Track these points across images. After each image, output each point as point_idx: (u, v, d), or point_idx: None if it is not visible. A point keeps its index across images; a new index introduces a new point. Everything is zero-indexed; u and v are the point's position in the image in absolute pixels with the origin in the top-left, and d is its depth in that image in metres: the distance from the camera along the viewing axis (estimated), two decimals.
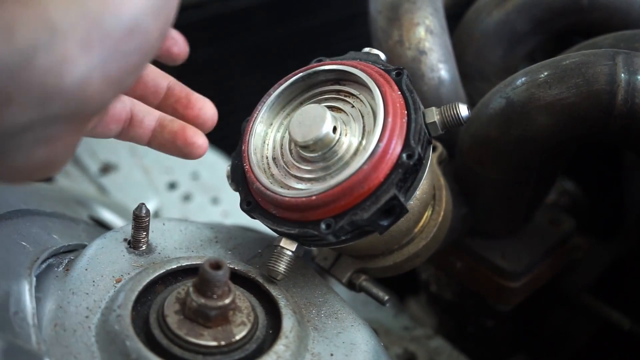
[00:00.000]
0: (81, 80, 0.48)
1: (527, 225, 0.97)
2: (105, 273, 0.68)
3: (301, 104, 0.73)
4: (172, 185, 1.33)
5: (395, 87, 0.68)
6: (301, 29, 1.64)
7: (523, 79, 0.77)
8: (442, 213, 0.79)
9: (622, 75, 0.71)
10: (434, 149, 0.83)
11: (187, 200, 1.31)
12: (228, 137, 0.92)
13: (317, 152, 0.67)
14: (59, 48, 0.47)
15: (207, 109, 0.70)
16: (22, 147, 0.51)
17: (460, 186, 0.88)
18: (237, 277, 0.70)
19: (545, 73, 0.75)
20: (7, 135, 0.49)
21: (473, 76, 0.95)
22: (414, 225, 0.77)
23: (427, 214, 0.79)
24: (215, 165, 1.34)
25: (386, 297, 0.78)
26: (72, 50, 0.47)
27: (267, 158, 0.72)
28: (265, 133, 0.73)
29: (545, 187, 0.97)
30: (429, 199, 0.78)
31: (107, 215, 1.03)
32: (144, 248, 0.72)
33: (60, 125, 0.52)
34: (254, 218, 0.70)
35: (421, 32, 0.87)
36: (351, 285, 0.80)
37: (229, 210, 1.28)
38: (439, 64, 0.87)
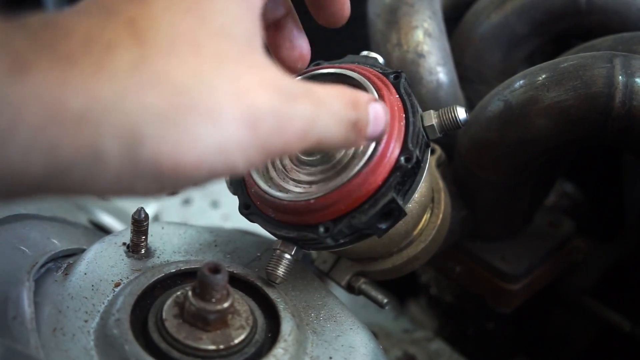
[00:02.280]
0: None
1: (527, 227, 0.97)
2: (104, 277, 0.69)
3: None
4: None
5: (393, 91, 0.68)
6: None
7: (521, 81, 0.77)
8: (440, 216, 0.79)
9: (620, 77, 0.71)
10: (433, 152, 0.83)
11: (187, 203, 1.31)
12: None
13: (316, 156, 0.67)
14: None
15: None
16: None
17: (459, 189, 0.88)
18: (236, 281, 0.70)
19: (544, 76, 0.76)
20: None
21: (472, 79, 0.95)
22: (413, 228, 0.77)
23: (425, 216, 0.79)
24: None
25: (385, 300, 0.78)
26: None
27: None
28: None
29: (545, 190, 0.97)
30: (428, 202, 0.78)
31: (107, 219, 1.04)
32: (143, 252, 0.72)
33: None
34: (253, 222, 0.70)
35: (419, 35, 0.87)
36: (350, 288, 0.80)
37: (229, 213, 1.28)
38: (437, 66, 0.87)
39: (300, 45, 0.67)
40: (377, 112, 0.55)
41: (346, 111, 0.52)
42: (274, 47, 0.67)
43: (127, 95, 0.42)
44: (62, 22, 0.44)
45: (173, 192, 0.50)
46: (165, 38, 0.45)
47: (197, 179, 0.46)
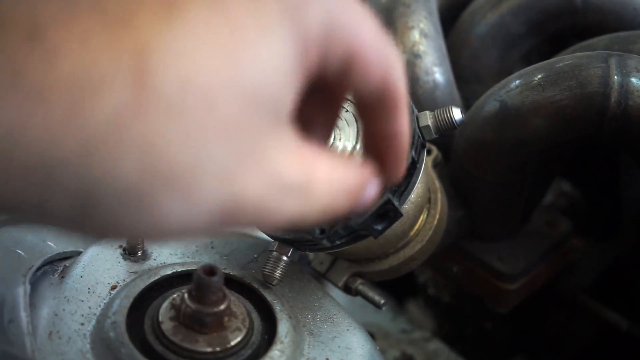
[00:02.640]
0: None
1: (524, 227, 0.97)
2: (100, 280, 0.68)
3: None
4: None
5: None
6: None
7: (517, 81, 0.77)
8: (437, 216, 0.79)
9: (615, 77, 0.71)
10: (429, 152, 0.83)
11: None
12: None
13: None
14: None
15: None
16: None
17: (456, 189, 0.88)
18: (233, 283, 0.70)
19: (539, 76, 0.76)
20: None
21: (469, 79, 0.95)
22: (410, 228, 0.77)
23: (422, 217, 0.79)
24: None
25: (382, 301, 0.78)
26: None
27: None
28: None
29: (542, 189, 0.97)
30: (424, 203, 0.78)
31: None
32: (140, 254, 0.72)
33: None
34: None
35: (415, 35, 0.87)
36: (347, 289, 0.80)
37: None
38: (433, 67, 0.87)
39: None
40: (368, 196, 0.46)
41: (337, 205, 0.43)
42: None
43: (95, 155, 0.33)
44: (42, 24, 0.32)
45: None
46: (176, 86, 0.34)
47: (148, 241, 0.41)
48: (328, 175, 0.42)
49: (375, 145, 0.47)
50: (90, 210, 0.35)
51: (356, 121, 0.69)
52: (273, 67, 0.36)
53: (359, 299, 0.82)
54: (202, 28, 0.34)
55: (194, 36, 0.34)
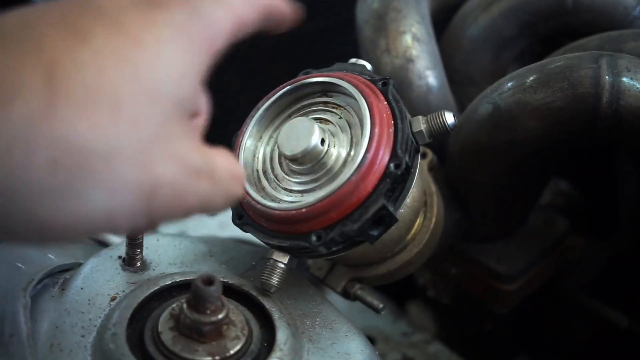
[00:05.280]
0: None
1: (522, 227, 0.97)
2: (100, 291, 0.69)
3: (289, 116, 0.74)
4: None
5: (382, 97, 0.68)
6: (297, 35, 1.64)
7: (509, 84, 0.78)
8: (433, 219, 0.79)
9: (606, 77, 0.72)
10: (424, 156, 0.83)
11: None
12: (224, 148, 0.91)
13: (306, 165, 0.68)
14: None
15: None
16: None
17: (452, 191, 0.88)
18: (231, 291, 0.70)
19: (531, 78, 0.76)
20: None
21: (462, 82, 0.96)
22: (406, 233, 0.77)
23: (418, 221, 0.79)
24: None
25: (381, 305, 0.78)
26: None
27: (257, 172, 0.72)
28: (255, 147, 0.73)
29: (538, 190, 0.97)
30: (420, 206, 0.78)
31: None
32: (139, 265, 0.73)
33: None
34: (246, 232, 0.71)
35: (408, 40, 0.88)
36: (346, 294, 0.80)
37: (226, 221, 1.28)
38: (426, 71, 0.88)
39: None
40: None
41: (236, 188, 0.52)
42: None
43: (13, 152, 0.39)
44: None
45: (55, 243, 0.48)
46: (83, 90, 0.41)
47: (77, 234, 0.44)
48: (226, 164, 0.50)
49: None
50: (10, 206, 0.40)
51: (350, 128, 0.69)
52: (171, 69, 0.45)
53: (358, 303, 0.83)
54: (104, 46, 0.42)
55: (97, 52, 0.42)
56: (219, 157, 0.50)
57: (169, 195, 0.45)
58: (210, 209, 0.50)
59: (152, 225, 0.47)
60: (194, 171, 0.47)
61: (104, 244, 0.93)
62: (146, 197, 0.44)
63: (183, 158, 0.46)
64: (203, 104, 0.55)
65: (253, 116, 0.73)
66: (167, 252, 0.76)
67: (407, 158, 0.66)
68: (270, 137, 0.74)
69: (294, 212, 0.65)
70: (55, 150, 0.40)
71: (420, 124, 0.69)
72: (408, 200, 0.71)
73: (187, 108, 0.47)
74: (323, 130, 0.68)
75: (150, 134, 0.44)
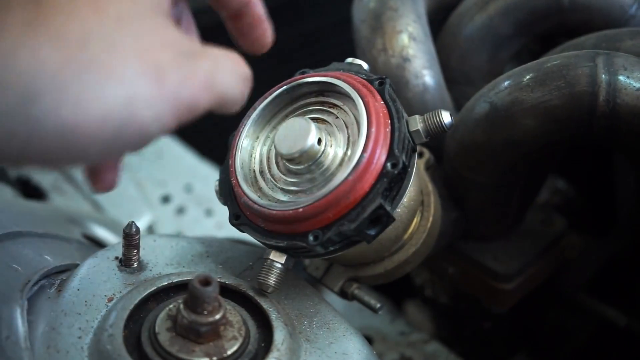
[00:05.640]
0: None
1: (519, 226, 0.97)
2: (97, 292, 0.69)
3: (286, 116, 0.74)
4: (166, 199, 1.33)
5: (378, 97, 0.68)
6: (295, 34, 1.64)
7: (506, 82, 0.77)
8: (430, 219, 0.79)
9: (603, 76, 0.72)
10: (421, 155, 0.83)
11: (181, 213, 1.31)
12: (220, 147, 0.91)
13: (303, 164, 0.68)
14: None
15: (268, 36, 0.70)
16: None
17: (449, 191, 0.88)
18: (228, 291, 0.70)
19: (528, 76, 0.76)
20: None
21: (459, 81, 0.96)
22: (403, 232, 0.77)
23: (415, 220, 0.79)
24: (208, 177, 1.34)
25: (378, 305, 0.78)
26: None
27: (254, 172, 0.72)
28: (251, 147, 0.73)
29: (535, 189, 0.97)
30: (417, 206, 0.78)
31: (101, 232, 1.04)
32: (135, 266, 0.72)
33: None
34: (243, 232, 0.71)
35: (404, 39, 0.88)
36: (343, 294, 0.80)
37: (223, 221, 1.28)
38: (423, 70, 0.88)
39: (263, 31, 0.69)
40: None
41: (238, 67, 0.56)
42: (237, 34, 0.69)
43: (20, 52, 0.42)
44: None
45: (80, 160, 0.48)
46: (63, 1, 0.45)
47: (103, 138, 0.45)
48: (215, 48, 0.54)
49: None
50: (33, 105, 0.42)
51: (346, 127, 0.69)
52: None
53: (356, 302, 0.83)
54: None
55: None
56: (213, 48, 0.54)
57: (176, 75, 0.48)
58: (224, 85, 0.53)
59: (176, 113, 0.49)
60: (190, 53, 0.50)
61: (101, 245, 0.93)
62: (156, 80, 0.47)
63: (175, 44, 0.50)
64: (185, 11, 0.61)
65: (250, 116, 0.73)
66: (164, 253, 0.76)
67: (404, 157, 0.65)
68: (267, 137, 0.74)
69: (290, 211, 0.65)
70: (61, 44, 0.43)
71: (417, 123, 0.69)
72: (405, 199, 0.71)
73: (163, 6, 0.51)
74: (320, 130, 0.68)
75: (137, 27, 0.47)
